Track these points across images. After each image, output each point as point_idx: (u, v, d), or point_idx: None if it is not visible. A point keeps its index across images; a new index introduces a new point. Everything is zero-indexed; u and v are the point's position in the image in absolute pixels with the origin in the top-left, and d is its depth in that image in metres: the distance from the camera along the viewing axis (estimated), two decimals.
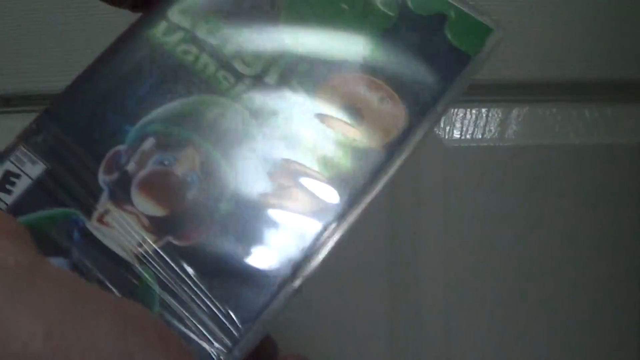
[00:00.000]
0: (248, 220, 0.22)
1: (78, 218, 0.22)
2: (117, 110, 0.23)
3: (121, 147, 0.22)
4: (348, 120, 0.23)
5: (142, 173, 0.22)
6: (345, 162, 0.23)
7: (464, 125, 0.51)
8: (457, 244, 0.50)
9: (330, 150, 0.23)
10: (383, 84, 0.24)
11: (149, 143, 0.22)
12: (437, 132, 0.50)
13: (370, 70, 0.24)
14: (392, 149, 0.23)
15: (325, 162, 0.23)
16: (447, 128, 0.51)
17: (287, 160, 0.22)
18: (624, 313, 0.51)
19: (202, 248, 0.22)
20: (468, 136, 0.51)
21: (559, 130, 0.51)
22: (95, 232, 0.22)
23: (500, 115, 0.51)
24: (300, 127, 0.23)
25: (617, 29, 0.49)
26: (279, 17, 0.24)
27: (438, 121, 0.24)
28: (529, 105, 0.51)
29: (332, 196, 0.22)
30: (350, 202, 0.22)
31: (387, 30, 0.25)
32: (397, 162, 0.23)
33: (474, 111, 0.51)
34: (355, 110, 0.23)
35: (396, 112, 0.23)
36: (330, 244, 0.23)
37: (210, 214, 0.22)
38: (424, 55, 0.24)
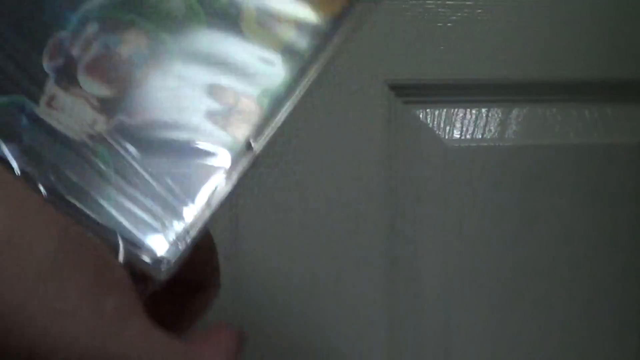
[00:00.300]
0: (194, 98, 0.22)
1: (24, 104, 0.21)
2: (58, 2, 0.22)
3: (63, 33, 0.22)
4: None
5: (88, 56, 0.22)
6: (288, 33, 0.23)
7: (464, 125, 0.51)
8: (456, 243, 0.50)
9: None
10: None
11: (91, 27, 0.22)
12: (437, 132, 0.50)
13: None
14: (336, 21, 0.23)
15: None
16: (447, 128, 0.51)
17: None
18: (623, 312, 0.51)
19: (151, 125, 0.22)
20: (468, 136, 0.51)
21: (559, 130, 0.51)
22: (44, 117, 0.21)
23: (500, 115, 0.51)
24: None
25: (617, 29, 0.49)
26: None
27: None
28: (529, 105, 0.51)
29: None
30: (296, 76, 0.23)
31: None
32: (342, 31, 0.23)
33: (474, 111, 0.51)
34: None
35: None
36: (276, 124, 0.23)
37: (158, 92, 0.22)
38: None
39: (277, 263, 0.50)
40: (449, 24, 0.49)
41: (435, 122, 0.51)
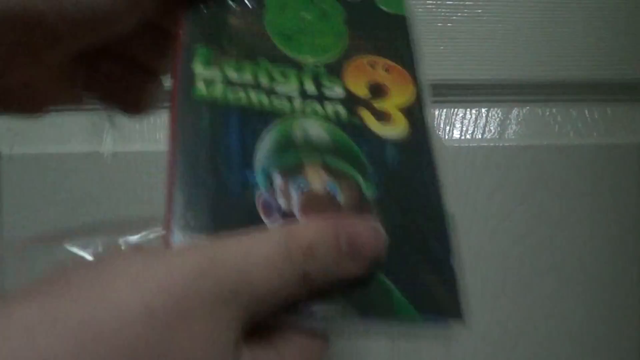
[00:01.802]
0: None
1: None
2: (232, 168, 0.24)
3: (262, 193, 0.24)
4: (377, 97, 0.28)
5: (296, 204, 0.24)
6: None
7: (464, 125, 0.51)
8: (456, 243, 0.50)
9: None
10: (376, 57, 0.29)
11: (278, 179, 0.24)
12: (437, 132, 0.50)
13: (361, 51, 0.29)
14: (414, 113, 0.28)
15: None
16: (447, 128, 0.51)
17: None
18: (624, 312, 0.51)
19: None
20: (468, 136, 0.51)
21: (559, 130, 0.51)
22: None
23: (500, 115, 0.51)
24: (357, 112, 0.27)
25: (617, 29, 0.49)
26: (270, 37, 0.28)
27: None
28: (529, 105, 0.51)
29: None
30: None
31: (346, 21, 0.30)
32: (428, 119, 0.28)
33: (474, 111, 0.51)
34: (378, 84, 0.28)
35: (400, 73, 0.29)
36: None
37: (365, 204, 0.25)
38: (379, 27, 0.30)
39: None
40: (449, 24, 0.49)
41: (435, 122, 0.51)
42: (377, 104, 0.28)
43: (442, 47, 0.49)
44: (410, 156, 0.27)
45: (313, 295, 0.22)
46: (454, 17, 0.49)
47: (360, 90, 0.28)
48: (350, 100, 0.27)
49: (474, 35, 0.49)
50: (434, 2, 0.49)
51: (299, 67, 0.28)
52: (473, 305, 0.54)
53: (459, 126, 0.51)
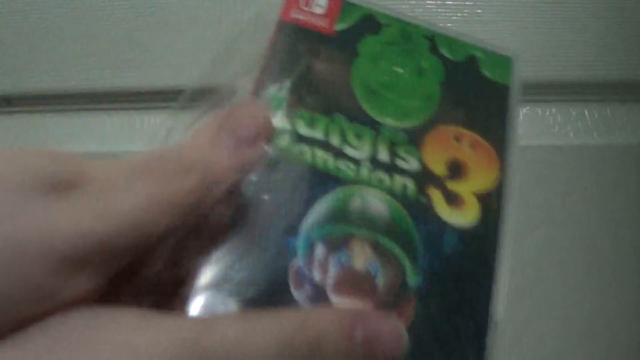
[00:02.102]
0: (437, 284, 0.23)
1: None
2: (277, 230, 0.23)
3: (298, 262, 0.23)
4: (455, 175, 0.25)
5: (331, 279, 0.23)
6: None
7: None
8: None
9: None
10: (463, 130, 0.26)
11: (320, 249, 0.23)
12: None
13: (449, 120, 0.26)
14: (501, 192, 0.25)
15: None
16: None
17: None
18: (624, 312, 0.51)
19: (414, 325, 0.22)
20: None
21: (559, 130, 0.51)
22: None
23: None
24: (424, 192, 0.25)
25: (617, 29, 0.49)
26: (353, 90, 0.26)
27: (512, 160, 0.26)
28: (529, 105, 0.51)
29: None
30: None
31: (442, 82, 0.27)
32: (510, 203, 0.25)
33: None
34: (459, 163, 0.26)
35: (488, 153, 0.26)
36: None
37: (405, 292, 0.23)
38: (476, 95, 0.27)
39: None
40: (449, 24, 0.49)
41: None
42: (452, 185, 0.25)
43: None
44: (471, 248, 0.24)
45: None
46: (454, 17, 0.49)
47: (438, 166, 0.25)
48: (424, 177, 0.25)
49: (473, 35, 0.49)
50: (434, 2, 0.49)
51: (376, 129, 0.25)
52: None
53: None
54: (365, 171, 0.24)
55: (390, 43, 0.27)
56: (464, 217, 0.25)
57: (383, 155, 0.25)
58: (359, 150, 0.25)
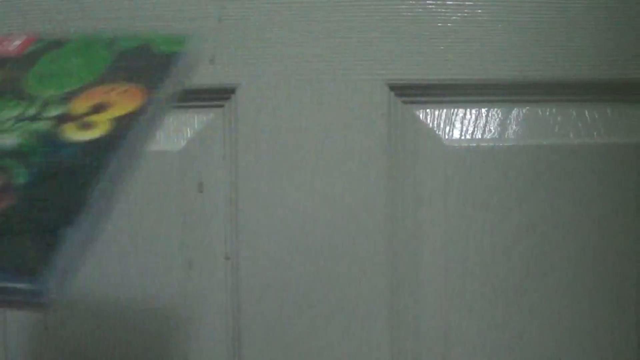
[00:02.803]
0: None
1: None
2: None
3: None
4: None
5: None
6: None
7: (464, 125, 0.51)
8: (457, 243, 0.50)
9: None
10: (123, 84, 0.32)
11: None
12: (437, 132, 0.50)
13: (109, 81, 0.32)
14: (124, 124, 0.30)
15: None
16: (447, 128, 0.51)
17: None
18: (623, 312, 0.51)
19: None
20: (468, 136, 0.51)
21: (559, 130, 0.51)
22: None
23: (500, 115, 0.51)
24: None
25: (618, 29, 0.49)
26: (26, 83, 0.33)
27: (164, 105, 0.32)
28: (529, 105, 0.51)
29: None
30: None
31: (110, 63, 0.34)
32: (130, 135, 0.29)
33: (473, 111, 0.51)
34: (103, 104, 0.31)
35: (136, 93, 0.31)
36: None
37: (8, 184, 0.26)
38: (146, 62, 0.34)
39: (277, 263, 0.50)
40: (449, 24, 0.49)
41: (435, 122, 0.51)
42: (90, 118, 0.30)
43: (442, 47, 0.49)
44: (87, 153, 0.28)
45: None
46: (454, 17, 0.49)
47: (81, 109, 0.30)
48: (63, 118, 0.30)
49: (474, 35, 0.49)
50: (434, 2, 0.49)
51: (31, 99, 0.31)
52: (472, 305, 0.54)
53: (459, 126, 0.51)
54: (7, 126, 0.30)
55: (71, 50, 0.36)
56: (90, 135, 0.29)
57: (30, 112, 0.31)
58: (5, 114, 0.31)
